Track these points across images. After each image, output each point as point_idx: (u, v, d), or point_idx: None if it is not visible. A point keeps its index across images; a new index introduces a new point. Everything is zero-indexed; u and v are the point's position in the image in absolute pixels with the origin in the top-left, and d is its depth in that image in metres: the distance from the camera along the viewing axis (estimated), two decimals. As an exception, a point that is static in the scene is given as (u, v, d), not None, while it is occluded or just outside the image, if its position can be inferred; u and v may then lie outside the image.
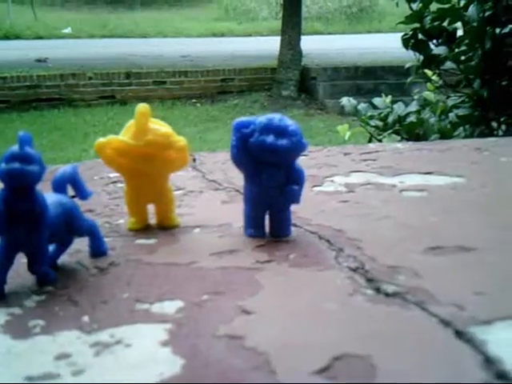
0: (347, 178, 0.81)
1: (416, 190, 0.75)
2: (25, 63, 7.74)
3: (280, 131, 0.57)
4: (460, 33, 2.31)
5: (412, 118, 2.56)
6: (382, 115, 2.64)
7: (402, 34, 2.60)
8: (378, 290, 0.49)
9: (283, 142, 0.57)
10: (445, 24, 2.40)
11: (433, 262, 0.54)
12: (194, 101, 7.41)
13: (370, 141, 2.54)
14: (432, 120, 2.51)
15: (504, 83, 2.17)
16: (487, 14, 2.12)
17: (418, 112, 2.56)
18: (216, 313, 0.47)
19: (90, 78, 7.40)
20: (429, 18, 2.48)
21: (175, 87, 7.55)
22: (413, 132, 2.53)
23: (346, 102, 2.78)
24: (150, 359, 0.41)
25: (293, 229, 0.62)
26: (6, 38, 10.17)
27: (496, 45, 2.11)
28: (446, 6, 2.29)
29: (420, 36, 2.54)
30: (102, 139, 0.61)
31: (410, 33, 2.58)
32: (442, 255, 0.55)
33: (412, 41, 2.60)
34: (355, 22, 11.06)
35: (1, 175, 0.48)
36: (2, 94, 7.00)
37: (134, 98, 7.31)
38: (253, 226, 0.61)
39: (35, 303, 0.49)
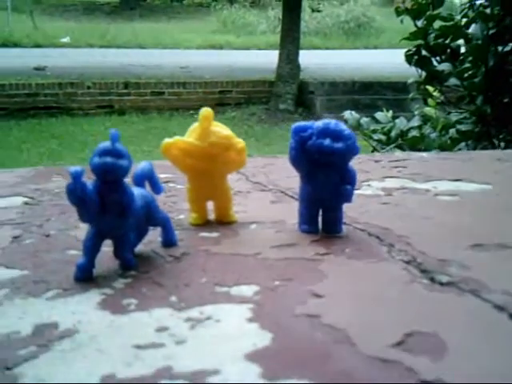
0: (383, 183, 0.86)
1: (449, 194, 0.81)
2: (23, 71, 7.77)
3: (336, 135, 0.62)
4: (463, 50, 2.37)
5: (414, 133, 2.62)
6: (385, 129, 2.70)
7: (406, 50, 2.66)
8: (432, 280, 0.54)
9: (339, 145, 0.62)
10: (448, 41, 2.46)
11: (478, 257, 0.59)
12: (191, 112, 7.45)
13: (372, 154, 2.60)
14: (433, 135, 2.57)
15: (506, 100, 2.24)
16: (491, 32, 2.18)
17: (420, 127, 2.62)
18: (290, 296, 0.51)
19: (89, 88, 7.44)
20: (433, 35, 2.54)
21: (173, 98, 7.61)
22: (415, 146, 2.59)
23: (349, 115, 2.84)
24: (242, 332, 0.46)
25: (343, 226, 0.67)
26: (5, 46, 10.21)
27: (499, 62, 2.18)
28: (449, 23, 2.35)
29: (424, 52, 2.60)
30: (168, 140, 0.67)
31: (414, 49, 2.65)
32: (485, 251, 0.61)
33: (415, 57, 2.67)
34: (353, 38, 11.20)
35: (94, 168, 0.53)
36: (0, 102, 7.03)
37: (132, 108, 7.36)
38: (307, 222, 0.67)
39: (123, 285, 0.54)
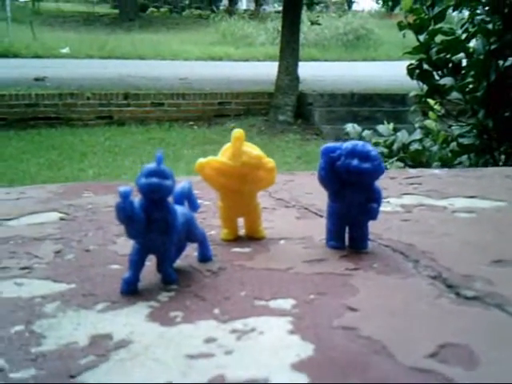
0: (401, 200, 0.90)
1: (465, 211, 0.84)
2: (23, 82, 7.80)
3: (363, 156, 0.66)
4: (464, 64, 2.41)
5: (416, 146, 2.65)
6: (387, 142, 2.73)
7: (408, 64, 2.69)
8: (458, 295, 0.58)
9: (366, 165, 0.66)
10: (449, 55, 2.49)
11: (501, 272, 0.63)
12: (191, 123, 7.49)
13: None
14: (434, 148, 2.61)
15: (507, 114, 2.28)
16: (492, 47, 2.22)
17: (421, 140, 2.65)
18: (326, 309, 0.55)
19: (88, 98, 7.47)
20: (435, 49, 2.58)
21: (173, 109, 7.65)
22: (417, 160, 2.63)
23: (351, 128, 2.88)
24: (285, 344, 0.49)
25: (368, 243, 0.71)
26: (5, 56, 10.26)
27: (500, 77, 2.21)
28: (451, 37, 2.39)
29: (425, 66, 2.63)
30: (202, 159, 0.70)
31: (416, 63, 2.68)
32: (507, 267, 0.64)
33: (417, 71, 2.70)
34: (351, 50, 11.28)
35: (141, 188, 0.56)
36: (-1, 112, 7.06)
37: (132, 118, 7.40)
38: (335, 238, 0.70)
39: (168, 298, 0.57)
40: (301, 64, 7.70)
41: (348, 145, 0.67)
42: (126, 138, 6.60)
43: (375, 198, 0.68)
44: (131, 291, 0.58)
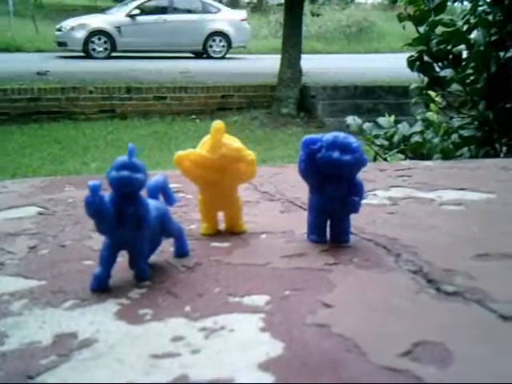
0: (388, 192, 0.88)
1: (454, 204, 0.82)
2: (26, 76, 7.79)
3: (344, 148, 0.64)
4: (465, 55, 2.39)
5: (417, 138, 2.63)
6: (388, 135, 2.71)
7: (408, 55, 2.67)
8: (438, 290, 0.56)
9: (347, 157, 0.64)
10: (449, 47, 2.47)
11: (483, 267, 0.61)
12: (193, 117, 7.48)
13: (375, 159, 2.62)
14: (435, 140, 2.59)
15: (508, 106, 2.25)
16: (493, 38, 2.20)
17: (422, 132, 2.63)
18: (300, 305, 0.53)
19: (91, 92, 7.46)
20: (435, 41, 2.55)
21: (175, 103, 7.63)
22: (418, 152, 2.61)
23: (351, 120, 2.85)
24: (255, 342, 0.47)
25: (350, 236, 0.69)
26: (7, 50, 10.25)
27: (501, 68, 2.19)
28: (451, 29, 2.37)
29: (426, 58, 2.61)
30: (181, 152, 0.68)
31: (416, 55, 2.66)
32: (490, 261, 0.62)
33: (418, 63, 2.68)
34: (354, 42, 11.23)
35: (112, 181, 0.54)
36: (2, 106, 7.05)
37: (134, 112, 7.39)
38: (316, 232, 0.68)
39: (139, 295, 0.55)
40: (303, 57, 7.67)
41: (329, 136, 0.65)
42: (128, 132, 6.58)
43: (357, 191, 0.66)
44: (101, 288, 0.56)
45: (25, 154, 5.60)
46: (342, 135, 0.65)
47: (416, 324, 0.50)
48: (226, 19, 10.99)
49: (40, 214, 0.80)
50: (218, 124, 0.67)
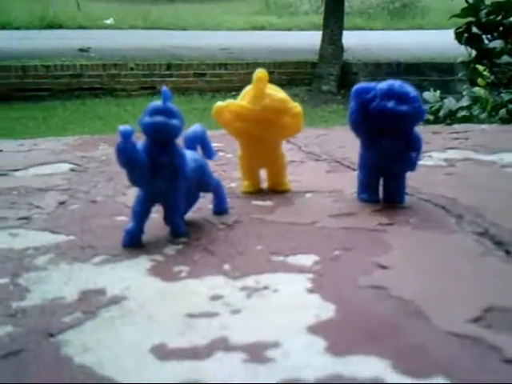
0: (444, 154, 0.81)
1: (516, 166, 0.75)
2: (68, 53, 7.82)
3: (401, 97, 0.58)
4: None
5: (463, 113, 2.54)
6: (433, 109, 2.63)
7: (455, 28, 2.58)
8: (507, 252, 0.50)
9: (404, 107, 0.57)
10: (500, 18, 2.37)
11: (557, 229, 0.54)
12: (233, 93, 7.40)
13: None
14: (482, 116, 2.49)
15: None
16: (548, 8, 2.09)
17: (469, 107, 2.54)
18: (352, 266, 0.47)
19: (132, 69, 7.45)
20: (484, 11, 2.45)
21: (215, 79, 7.57)
22: (464, 127, 2.50)
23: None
24: (302, 303, 0.42)
25: (405, 197, 0.63)
26: (50, 27, 10.33)
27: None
28: (502, -1, 2.27)
29: (474, 30, 2.50)
30: (220, 103, 0.63)
31: (464, 26, 2.55)
32: None
33: (466, 35, 2.57)
34: (397, 18, 10.96)
35: (145, 128, 0.50)
36: (45, 83, 7.09)
37: (175, 89, 7.34)
38: (367, 191, 0.62)
39: (174, 251, 0.51)
40: (345, 33, 7.51)
41: (383, 85, 0.59)
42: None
43: (414, 145, 0.60)
44: (134, 243, 0.51)
45: (67, 130, 5.62)
46: (397, 83, 0.59)
47: (485, 288, 0.44)
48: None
49: (72, 170, 0.76)
50: (260, 72, 0.62)
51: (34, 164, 0.78)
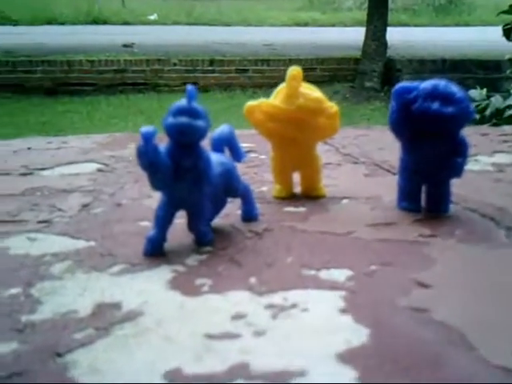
0: (492, 158, 0.76)
1: None
2: (112, 48, 7.90)
3: (446, 98, 0.53)
4: None
5: (511, 112, 2.48)
6: (480, 107, 2.57)
7: (503, 24, 2.51)
8: None
9: (449, 109, 0.53)
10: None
11: None
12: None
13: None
14: (531, 115, 2.42)
15: None
16: None
17: (517, 106, 2.47)
18: (389, 284, 0.43)
19: (175, 64, 7.48)
20: (534, 6, 2.37)
21: (257, 75, 7.54)
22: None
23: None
24: (333, 326, 0.38)
25: (450, 206, 0.58)
26: (95, 23, 10.46)
27: None
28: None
29: (523, 26, 2.43)
30: (252, 102, 0.59)
31: (513, 23, 2.47)
32: None
33: (514, 31, 2.49)
34: (443, 15, 10.74)
35: (168, 129, 0.46)
36: (90, 77, 7.17)
37: (216, 85, 7.36)
38: (408, 198, 0.58)
39: (197, 262, 0.47)
40: (389, 29, 7.39)
41: (427, 84, 0.55)
42: (210, 104, 6.51)
43: (460, 150, 0.55)
44: (155, 252, 0.48)
45: (111, 124, 5.68)
46: (442, 83, 0.54)
47: (539, 313, 0.39)
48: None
49: (99, 170, 0.73)
50: (294, 70, 0.58)
51: (61, 163, 0.76)
